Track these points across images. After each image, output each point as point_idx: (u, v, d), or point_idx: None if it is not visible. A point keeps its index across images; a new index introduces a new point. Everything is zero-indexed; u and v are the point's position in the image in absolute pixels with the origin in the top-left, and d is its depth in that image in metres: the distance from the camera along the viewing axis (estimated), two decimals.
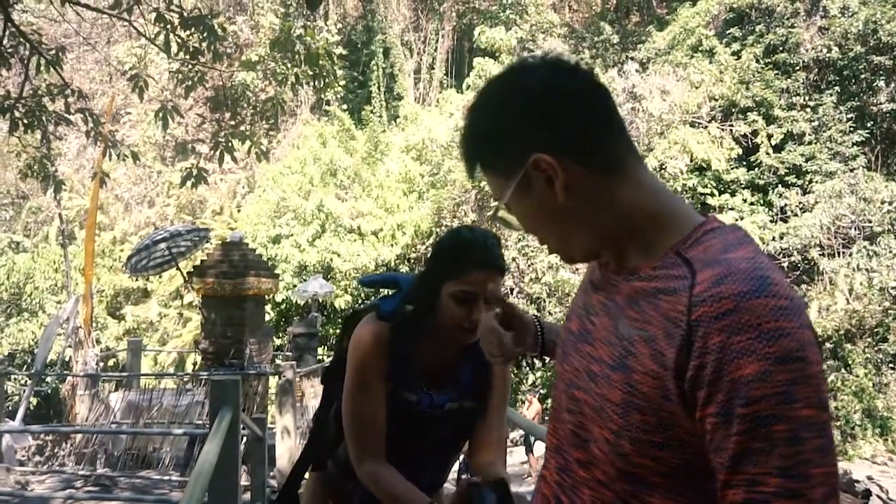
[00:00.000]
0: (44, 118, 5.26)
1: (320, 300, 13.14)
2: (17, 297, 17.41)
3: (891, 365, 12.33)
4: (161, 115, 5.04)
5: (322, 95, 21.44)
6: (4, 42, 4.81)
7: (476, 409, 1.75)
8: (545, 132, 0.89)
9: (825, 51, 15.34)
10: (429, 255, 1.74)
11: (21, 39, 4.94)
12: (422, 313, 1.65)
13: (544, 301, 13.73)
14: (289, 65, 5.84)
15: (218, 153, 5.17)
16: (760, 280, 0.76)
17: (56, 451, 8.27)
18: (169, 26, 4.83)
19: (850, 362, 12.33)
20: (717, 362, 0.74)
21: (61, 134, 18.49)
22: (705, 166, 14.43)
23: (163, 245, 9.05)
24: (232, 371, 7.55)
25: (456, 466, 1.93)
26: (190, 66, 5.13)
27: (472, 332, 1.58)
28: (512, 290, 14.83)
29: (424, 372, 1.70)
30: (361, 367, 1.65)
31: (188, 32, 4.91)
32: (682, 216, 0.91)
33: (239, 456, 3.12)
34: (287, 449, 6.65)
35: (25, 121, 5.35)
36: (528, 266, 14.47)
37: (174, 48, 4.91)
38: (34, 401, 13.74)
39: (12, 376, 12.56)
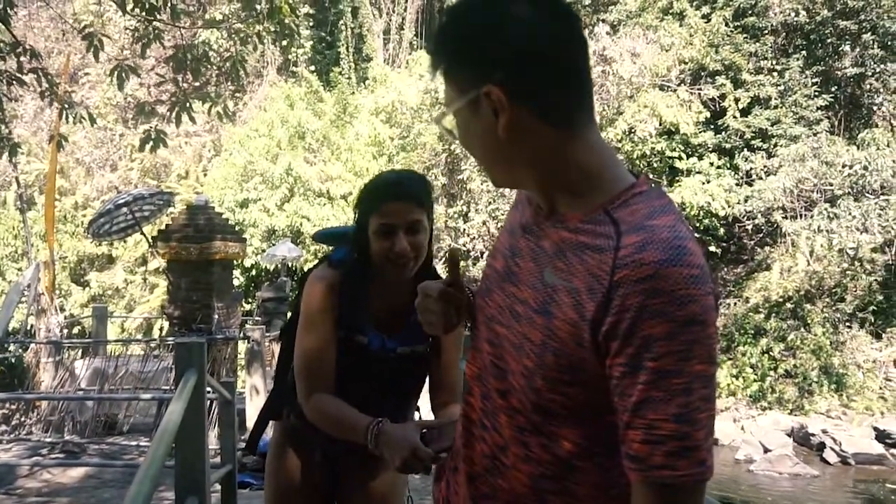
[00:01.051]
0: None
1: (289, 264, 13.05)
2: None
3: (847, 324, 12.73)
4: (117, 74, 4.88)
5: (288, 56, 20.99)
6: None
7: (428, 353, 1.79)
8: (509, 67, 0.91)
9: (793, 15, 15.41)
10: None
11: None
12: (360, 255, 1.72)
13: None
14: (251, 22, 5.68)
15: (174, 113, 5.03)
16: (678, 250, 0.84)
17: (23, 419, 8.15)
18: None
19: (808, 322, 12.70)
20: (632, 320, 0.83)
21: (16, 95, 17.85)
22: (674, 130, 14.52)
23: (125, 209, 8.86)
24: (200, 336, 7.49)
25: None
26: (146, 23, 4.96)
27: (401, 265, 1.66)
28: (482, 252, 14.89)
29: (377, 317, 1.75)
30: (309, 308, 1.72)
31: None
32: (616, 177, 0.95)
33: (206, 418, 3.10)
34: (257, 412, 6.66)
35: None
36: (499, 228, 14.51)
37: (129, 4, 4.74)
38: None
39: None
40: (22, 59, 5.16)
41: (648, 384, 0.82)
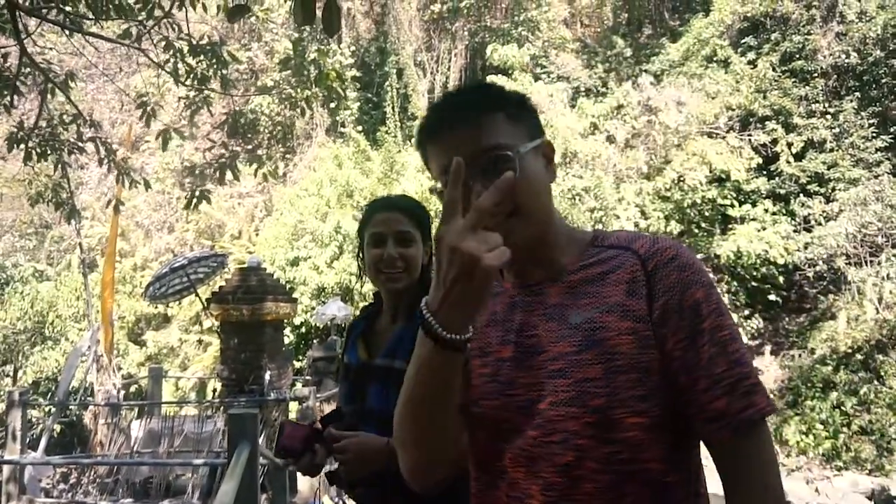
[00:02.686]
0: (57, 147, 5.29)
1: (339, 323, 13.08)
2: (40, 325, 17.56)
3: None
4: (163, 137, 5.06)
5: (336, 118, 21.60)
6: (19, 73, 4.83)
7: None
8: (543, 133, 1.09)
9: (843, 57, 15.13)
10: None
11: (32, 69, 4.97)
12: (360, 280, 1.88)
13: None
14: (299, 88, 5.83)
15: (219, 172, 5.18)
16: (671, 240, 1.03)
17: (80, 479, 8.24)
18: (178, 54, 4.85)
19: (882, 374, 11.96)
20: (679, 293, 0.95)
21: (83, 163, 18.78)
22: (724, 177, 14.23)
23: (181, 272, 9.06)
24: (252, 397, 7.49)
25: None
26: (197, 92, 5.15)
27: (391, 276, 1.71)
28: None
29: (367, 339, 1.82)
30: None
31: (197, 60, 4.93)
32: (580, 231, 1.09)
33: (258, 489, 3.02)
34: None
35: (38, 150, 5.38)
36: None
37: (183, 76, 4.93)
38: (58, 428, 13.80)
39: (37, 405, 12.62)
40: (82, 128, 5.39)
41: (708, 343, 0.93)
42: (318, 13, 2.12)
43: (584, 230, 1.09)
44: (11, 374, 15.95)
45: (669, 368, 0.94)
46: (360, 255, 1.82)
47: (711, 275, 1.17)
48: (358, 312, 1.98)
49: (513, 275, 1.07)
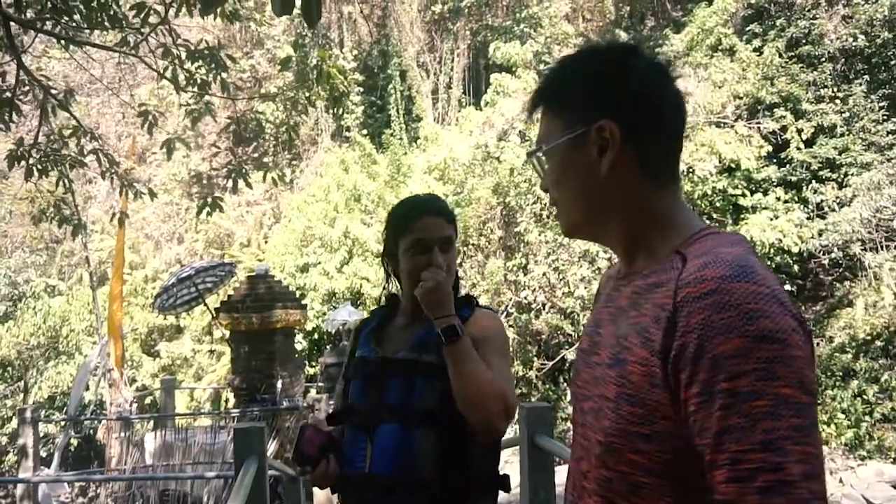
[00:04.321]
0: (58, 162, 5.25)
1: (350, 328, 13.01)
2: (54, 340, 17.64)
3: None
4: (167, 146, 5.01)
5: (341, 122, 21.57)
6: (16, 88, 4.78)
7: (440, 366, 1.60)
8: (625, 108, 0.92)
9: (851, 40, 14.91)
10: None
11: (32, 84, 4.93)
12: (388, 284, 1.77)
13: (577, 314, 13.40)
14: (302, 90, 5.76)
15: (231, 181, 5.12)
16: (743, 268, 0.79)
17: (98, 491, 8.22)
18: (177, 60, 4.79)
19: None
20: (699, 339, 0.77)
21: (91, 177, 18.83)
22: (734, 166, 14.05)
23: (188, 282, 9.01)
24: (264, 406, 7.42)
25: None
26: (198, 99, 5.10)
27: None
28: (544, 304, 14.54)
29: (379, 337, 1.75)
30: None
31: (196, 65, 4.87)
32: (692, 226, 0.94)
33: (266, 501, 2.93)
34: None
35: (40, 166, 5.34)
36: (560, 280, 14.19)
37: (182, 82, 4.87)
38: (75, 442, 13.82)
39: (50, 420, 12.64)
40: (83, 142, 5.35)
41: (725, 409, 0.74)
42: (298, 3, 2.03)
43: (698, 226, 0.94)
44: (26, 389, 16.00)
45: (687, 421, 0.79)
46: (388, 258, 1.75)
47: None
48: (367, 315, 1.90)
49: (621, 264, 1.02)
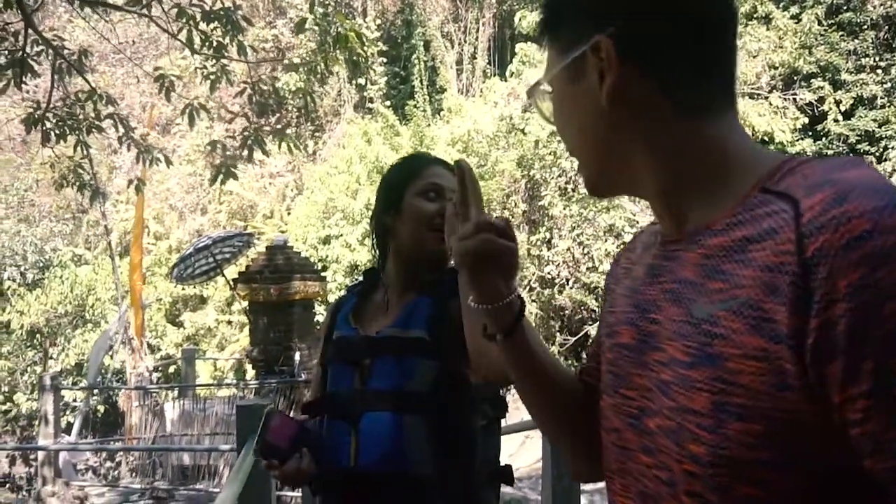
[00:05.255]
0: (74, 126, 5.15)
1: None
2: (80, 308, 17.88)
3: None
4: (189, 113, 4.87)
5: (364, 93, 21.35)
6: (28, 49, 4.66)
7: (431, 342, 1.42)
8: (628, 15, 0.69)
9: (895, 6, 14.26)
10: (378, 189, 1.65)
11: (45, 47, 4.80)
12: (381, 240, 1.59)
13: (601, 290, 13.19)
14: (321, 56, 5.59)
15: (246, 149, 4.98)
16: (878, 193, 0.54)
17: (119, 460, 8.30)
18: (191, 21, 4.63)
19: None
20: (855, 314, 0.52)
21: (115, 147, 18.92)
22: (768, 140, 13.60)
23: (206, 252, 8.96)
24: (282, 378, 7.37)
25: None
26: (214, 63, 4.94)
27: (441, 233, 1.37)
28: (568, 280, 14.32)
29: (360, 315, 1.59)
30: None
31: (211, 27, 4.70)
32: (769, 156, 0.70)
33: (272, 486, 2.80)
34: None
35: (57, 131, 5.24)
36: (584, 254, 13.96)
37: (197, 44, 4.71)
38: (101, 409, 14.04)
39: (74, 388, 12.83)
40: (99, 106, 5.23)
41: None
42: None
43: (764, 157, 0.70)
44: (46, 357, 16.29)
45: (843, 435, 0.55)
46: (382, 217, 1.57)
47: None
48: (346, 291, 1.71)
49: (665, 222, 0.75)
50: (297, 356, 7.69)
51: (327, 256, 15.89)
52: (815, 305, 0.54)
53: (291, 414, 1.72)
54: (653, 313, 0.71)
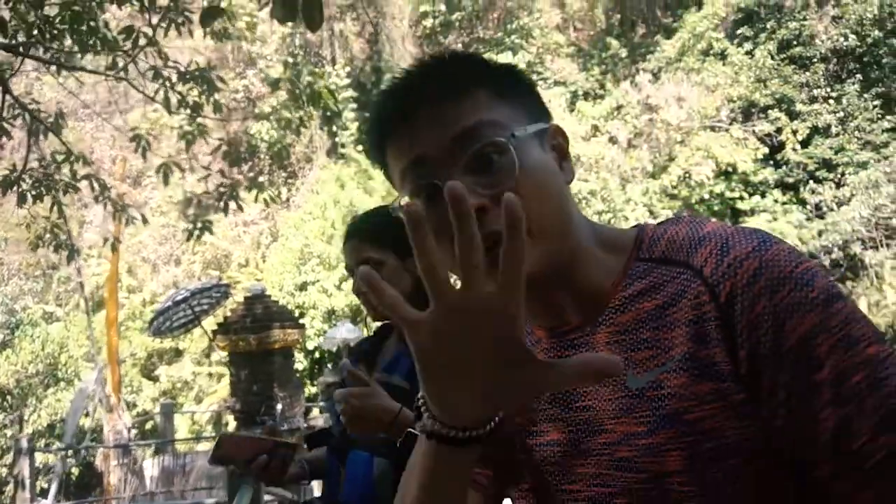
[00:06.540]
0: (51, 187, 5.19)
1: (350, 346, 12.91)
2: (52, 367, 17.46)
3: None
4: (163, 171, 4.95)
5: (335, 139, 21.55)
6: (4, 113, 4.72)
7: (412, 392, 1.48)
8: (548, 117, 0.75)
9: (842, 39, 14.96)
10: None
11: (21, 110, 4.87)
12: None
13: None
14: (294, 109, 5.72)
15: (223, 202, 5.06)
16: (756, 233, 0.66)
17: None
18: (168, 83, 4.74)
19: None
20: (772, 332, 0.60)
21: (86, 202, 18.78)
22: (731, 170, 14.06)
23: (184, 305, 8.92)
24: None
25: None
26: (190, 121, 5.05)
27: (369, 307, 1.52)
28: None
29: (370, 361, 1.68)
30: None
31: (187, 87, 4.82)
32: (615, 231, 0.76)
33: None
34: None
35: (33, 192, 5.27)
36: None
37: (174, 105, 4.82)
38: (76, 471, 13.65)
39: (48, 451, 12.48)
40: (76, 166, 5.28)
41: (832, 405, 0.58)
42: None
43: (622, 232, 0.74)
44: (21, 420, 15.82)
45: (776, 436, 0.62)
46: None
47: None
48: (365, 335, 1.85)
49: (540, 318, 0.75)
50: (279, 406, 7.64)
51: (304, 303, 15.83)
52: (740, 336, 0.61)
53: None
54: (579, 402, 0.72)
